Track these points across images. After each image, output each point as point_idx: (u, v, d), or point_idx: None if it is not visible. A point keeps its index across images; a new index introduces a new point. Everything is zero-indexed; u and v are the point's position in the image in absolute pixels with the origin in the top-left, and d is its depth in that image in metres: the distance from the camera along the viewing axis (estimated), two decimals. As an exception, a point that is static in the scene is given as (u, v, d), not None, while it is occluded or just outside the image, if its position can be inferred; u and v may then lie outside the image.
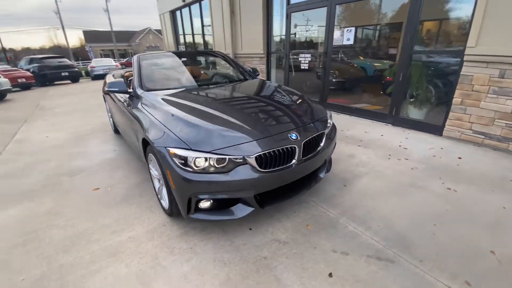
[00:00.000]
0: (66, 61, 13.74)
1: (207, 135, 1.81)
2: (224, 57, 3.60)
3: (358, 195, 2.39)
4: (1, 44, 24.84)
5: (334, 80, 5.45)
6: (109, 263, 1.73)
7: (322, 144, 2.14)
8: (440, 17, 4.03)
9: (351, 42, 4.68)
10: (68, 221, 2.18)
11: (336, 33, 4.88)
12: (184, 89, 2.70)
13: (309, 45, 5.78)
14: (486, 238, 1.82)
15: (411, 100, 4.21)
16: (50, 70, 12.65)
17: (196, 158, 1.68)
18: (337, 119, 4.80)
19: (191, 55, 3.76)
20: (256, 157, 1.74)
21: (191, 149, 1.71)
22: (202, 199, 1.77)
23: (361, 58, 5.61)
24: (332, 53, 5.11)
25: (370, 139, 3.75)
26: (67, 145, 4.04)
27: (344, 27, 4.81)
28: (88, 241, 1.94)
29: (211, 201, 1.81)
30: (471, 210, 2.13)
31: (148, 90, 2.59)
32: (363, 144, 3.57)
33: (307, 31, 5.59)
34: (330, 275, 1.59)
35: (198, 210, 1.83)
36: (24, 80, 10.92)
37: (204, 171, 1.69)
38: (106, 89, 2.83)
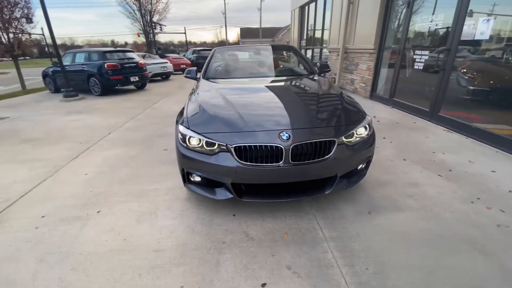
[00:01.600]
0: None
1: (207, 119, 2.03)
2: (295, 52, 3.56)
3: (373, 229, 1.91)
4: (186, 38, 34.10)
5: (470, 87, 3.97)
6: (130, 200, 2.36)
7: (331, 154, 1.86)
8: None
9: (486, 36, 3.33)
10: (136, 166, 3.05)
11: (468, 24, 3.60)
12: (235, 79, 2.98)
13: (432, 40, 4.52)
14: None
15: None
16: (203, 60, 16.33)
17: (191, 137, 1.95)
18: (440, 137, 3.68)
19: (263, 50, 3.93)
20: (235, 147, 1.81)
21: (189, 129, 1.99)
22: (192, 174, 2.04)
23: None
24: (458, 50, 3.82)
25: (467, 171, 2.70)
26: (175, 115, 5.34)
27: (484, 17, 3.47)
28: (135, 182, 2.67)
29: (200, 177, 2.04)
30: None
31: (208, 78, 3.06)
32: (450, 175, 2.64)
33: (431, 21, 4.38)
34: (263, 285, 1.49)
35: (191, 182, 2.12)
36: (185, 66, 14.72)
37: (195, 150, 1.94)
38: (184, 75, 3.55)
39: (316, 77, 3.02)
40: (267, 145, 1.79)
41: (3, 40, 10.21)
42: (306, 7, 11.16)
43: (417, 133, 3.85)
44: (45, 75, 8.88)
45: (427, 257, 1.65)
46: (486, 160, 2.94)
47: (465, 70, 3.88)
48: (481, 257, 1.63)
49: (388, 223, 1.96)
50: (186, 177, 2.09)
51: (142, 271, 1.61)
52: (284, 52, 4.04)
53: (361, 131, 2.04)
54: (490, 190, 2.36)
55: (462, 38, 3.72)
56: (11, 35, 10.26)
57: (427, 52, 4.48)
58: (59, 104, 6.97)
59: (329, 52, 8.42)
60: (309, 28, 11.12)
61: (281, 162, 1.80)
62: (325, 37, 8.91)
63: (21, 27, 10.58)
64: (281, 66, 3.66)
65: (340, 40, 7.12)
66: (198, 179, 2.06)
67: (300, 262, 1.64)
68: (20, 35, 10.66)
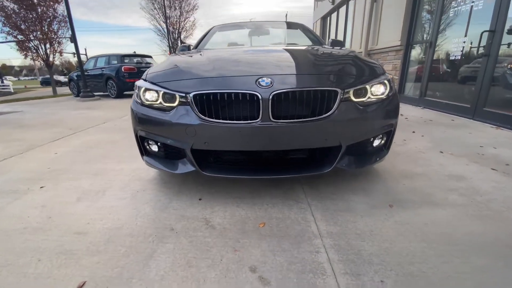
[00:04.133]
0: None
1: (172, 72, 1.58)
2: (303, 29, 3.07)
3: (396, 227, 1.27)
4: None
5: None
6: (85, 178, 1.93)
7: (332, 111, 1.30)
8: None
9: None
10: (112, 148, 2.67)
11: (520, -5, 2.93)
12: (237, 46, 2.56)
13: (471, 26, 3.82)
14: None
15: None
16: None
17: (146, 89, 1.50)
18: (488, 133, 2.92)
19: (266, 27, 3.44)
20: (195, 97, 1.32)
21: (146, 81, 1.55)
22: (148, 140, 1.57)
23: None
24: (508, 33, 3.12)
25: (534, 166, 1.94)
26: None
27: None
28: (101, 162, 2.26)
29: (157, 146, 1.56)
30: None
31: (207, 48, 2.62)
32: (509, 170, 1.90)
33: (470, 1, 3.72)
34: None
35: (148, 153, 1.64)
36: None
37: (152, 106, 1.48)
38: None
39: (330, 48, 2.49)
40: (238, 93, 1.27)
41: (41, 50, 11.13)
42: (328, 18, 10.90)
43: (457, 129, 3.10)
44: (70, 80, 9.28)
45: (485, 272, 0.97)
46: (561, 156, 2.14)
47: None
48: None
49: (419, 221, 1.30)
50: (142, 146, 1.62)
51: (44, 256, 1.12)
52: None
53: (377, 89, 1.46)
54: None
55: (511, 15, 3.03)
56: (47, 45, 11.15)
57: (465, 39, 3.79)
58: (74, 103, 7.08)
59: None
60: (331, 37, 10.76)
61: (258, 120, 1.27)
62: (347, 44, 8.44)
63: (57, 38, 11.49)
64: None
65: (362, 43, 6.60)
66: (155, 148, 1.58)
67: (272, 263, 1.04)
68: (56, 46, 11.57)
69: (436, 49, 4.39)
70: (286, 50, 1.91)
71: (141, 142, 1.59)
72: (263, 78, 1.30)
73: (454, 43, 4.03)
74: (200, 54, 1.89)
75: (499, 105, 3.23)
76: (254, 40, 3.05)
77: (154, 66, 1.80)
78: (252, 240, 1.18)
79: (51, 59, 11.59)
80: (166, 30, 17.05)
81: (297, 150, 1.47)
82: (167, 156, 1.57)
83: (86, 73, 8.21)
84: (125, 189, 1.73)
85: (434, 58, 4.45)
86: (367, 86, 1.41)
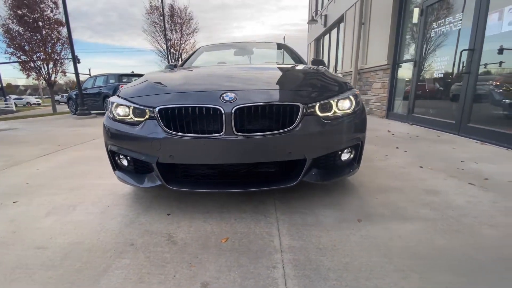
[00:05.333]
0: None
1: (144, 87, 1.63)
2: (286, 48, 3.19)
3: (361, 241, 1.25)
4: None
5: (505, 100, 3.13)
6: (61, 193, 1.92)
7: (294, 124, 1.33)
8: None
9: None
10: (96, 164, 2.67)
11: (492, 18, 3.07)
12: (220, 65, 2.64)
13: (451, 44, 3.96)
14: None
15: None
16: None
17: (118, 104, 1.54)
18: (471, 148, 2.93)
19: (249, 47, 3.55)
20: (161, 111, 1.35)
21: (119, 96, 1.60)
22: (118, 155, 1.58)
23: None
24: (481, 50, 3.23)
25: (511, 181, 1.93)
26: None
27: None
28: (81, 178, 2.26)
29: (127, 160, 1.57)
30: None
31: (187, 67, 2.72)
32: (487, 184, 1.89)
33: (448, 23, 3.88)
34: (149, 310, 0.88)
35: (120, 168, 1.65)
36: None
37: (123, 121, 1.51)
38: None
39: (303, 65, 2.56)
40: (202, 108, 1.31)
41: (43, 70, 11.47)
42: (321, 39, 11.32)
43: (441, 144, 3.11)
44: (69, 98, 9.48)
45: (447, 289, 0.94)
46: (540, 170, 2.14)
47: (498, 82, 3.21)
48: None
49: (385, 236, 1.28)
50: (113, 161, 1.63)
51: (0, 270, 1.09)
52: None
53: (342, 105, 1.49)
54: (552, 203, 1.58)
55: (487, 34, 3.16)
56: (50, 65, 11.51)
57: (447, 58, 3.91)
58: (70, 121, 7.17)
59: (343, 76, 8.09)
60: (324, 57, 11.10)
61: (221, 133, 1.29)
62: (339, 63, 8.70)
63: (61, 59, 11.88)
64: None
65: (353, 63, 6.80)
66: (125, 163, 1.59)
67: (226, 279, 1.01)
68: (58, 66, 11.93)
69: (420, 67, 4.52)
70: (258, 67, 1.98)
71: (112, 157, 1.61)
72: (227, 93, 1.34)
73: (437, 61, 4.16)
74: (175, 71, 1.96)
75: (483, 121, 3.27)
76: (238, 59, 3.15)
77: (130, 83, 1.86)
78: (211, 255, 1.16)
79: (52, 78, 11.92)
80: (166, 52, 17.62)
81: (265, 163, 1.47)
82: (137, 170, 1.57)
83: (84, 92, 8.40)
84: (97, 204, 1.72)
85: (420, 76, 4.56)
86: (332, 101, 1.45)
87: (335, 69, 9.30)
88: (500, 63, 3.15)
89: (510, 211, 1.50)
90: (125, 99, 1.53)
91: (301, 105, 1.33)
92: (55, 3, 11.52)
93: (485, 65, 3.26)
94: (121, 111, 1.52)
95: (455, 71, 3.75)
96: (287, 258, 1.12)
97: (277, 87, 1.47)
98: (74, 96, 9.11)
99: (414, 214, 1.48)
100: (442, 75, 4.07)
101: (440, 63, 4.08)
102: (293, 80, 1.58)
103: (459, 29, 3.69)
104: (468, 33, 3.42)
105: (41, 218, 1.56)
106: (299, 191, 1.78)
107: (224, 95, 1.33)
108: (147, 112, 1.41)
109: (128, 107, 1.48)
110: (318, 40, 11.76)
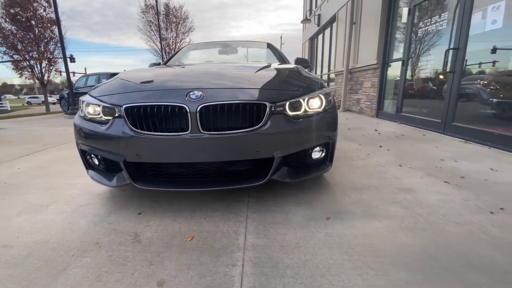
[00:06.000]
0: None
1: (115, 86, 1.61)
2: (272, 48, 3.19)
3: (325, 239, 1.25)
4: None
5: (489, 99, 3.15)
6: (36, 192, 1.91)
7: (261, 123, 1.33)
8: None
9: (500, 25, 2.77)
10: (75, 163, 2.65)
11: (476, 17, 3.09)
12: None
13: (437, 43, 3.98)
14: None
15: None
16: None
17: (88, 103, 1.53)
18: (454, 147, 2.95)
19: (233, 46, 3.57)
20: (127, 109, 1.35)
21: (89, 95, 1.59)
22: (89, 154, 1.58)
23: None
24: (465, 48, 3.25)
25: (487, 179, 1.95)
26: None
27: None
28: (59, 177, 2.25)
29: (98, 159, 1.57)
30: None
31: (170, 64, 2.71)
32: (462, 182, 1.91)
33: (434, 23, 3.90)
34: (100, 308, 0.88)
35: (92, 167, 1.64)
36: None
37: (94, 120, 1.51)
38: None
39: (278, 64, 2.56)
40: (167, 106, 1.30)
41: (36, 69, 11.39)
42: (315, 39, 11.33)
43: (425, 143, 3.13)
44: (61, 98, 9.42)
45: (399, 286, 0.95)
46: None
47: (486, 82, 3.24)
48: (503, 292, 0.91)
49: (350, 233, 1.29)
50: (85, 160, 1.62)
51: (-43, 271, 1.09)
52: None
53: (312, 103, 1.50)
54: (520, 200, 1.60)
55: (471, 33, 3.18)
56: (43, 64, 11.43)
57: (433, 57, 3.94)
58: (60, 120, 7.13)
59: (335, 75, 8.12)
60: (318, 56, 11.13)
61: (188, 132, 1.29)
62: (331, 63, 8.73)
63: (54, 58, 11.80)
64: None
65: (344, 62, 6.82)
66: (96, 162, 1.59)
67: (183, 277, 1.02)
68: (51, 65, 11.85)
69: (408, 67, 4.55)
70: (232, 66, 1.98)
71: (84, 156, 1.60)
72: (194, 92, 1.34)
73: (423, 61, 4.18)
74: (149, 70, 1.96)
75: (467, 120, 3.29)
76: (223, 58, 3.15)
77: (103, 82, 1.86)
78: (173, 254, 1.16)
79: (45, 77, 11.83)
80: (161, 51, 17.56)
81: (236, 162, 1.48)
82: (107, 169, 1.57)
83: (77, 91, 8.35)
84: (71, 203, 1.71)
85: (408, 75, 4.59)
86: (302, 100, 1.45)
87: (328, 69, 9.32)
88: (480, 64, 3.18)
89: (479, 209, 1.52)
90: (95, 97, 1.52)
91: (268, 104, 1.33)
92: (48, 1, 11.45)
93: (469, 64, 3.28)
94: (91, 110, 1.51)
95: (441, 70, 3.78)
96: (248, 256, 1.12)
97: (246, 85, 1.47)
98: (66, 96, 9.06)
99: (383, 212, 1.49)
100: (428, 74, 4.10)
101: (427, 62, 4.10)
102: (263, 79, 1.59)
103: (445, 28, 3.71)
104: (453, 33, 3.45)
105: (12, 217, 1.55)
106: (274, 190, 1.78)
107: (191, 93, 1.33)
108: (116, 110, 1.40)
109: (98, 105, 1.48)
110: (312, 40, 11.78)
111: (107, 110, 1.45)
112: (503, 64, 2.98)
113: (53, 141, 3.93)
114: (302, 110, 1.45)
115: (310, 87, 1.57)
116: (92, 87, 1.72)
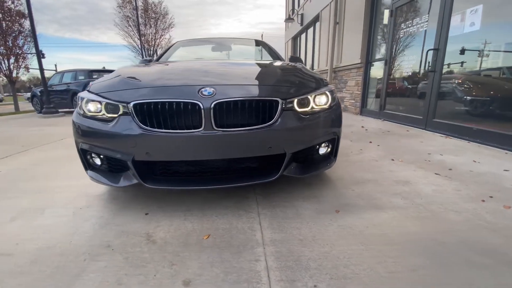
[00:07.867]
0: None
1: (117, 82, 1.55)
2: (264, 46, 3.21)
3: (339, 231, 1.30)
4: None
5: (466, 97, 3.38)
6: (24, 196, 1.79)
7: (274, 120, 1.34)
8: None
9: (477, 27, 2.99)
10: (64, 165, 2.51)
11: (455, 19, 3.31)
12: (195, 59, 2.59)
13: (418, 44, 4.22)
14: None
15: None
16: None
17: (89, 100, 1.46)
18: (437, 142, 3.14)
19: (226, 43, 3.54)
20: (136, 106, 1.30)
21: (89, 91, 1.51)
22: (90, 153, 1.50)
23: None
24: (445, 50, 3.47)
25: (472, 171, 2.11)
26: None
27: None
28: (47, 179, 2.11)
29: (100, 159, 1.50)
30: None
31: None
32: (451, 174, 2.04)
33: (416, 24, 4.13)
34: (128, 311, 0.85)
35: (92, 167, 1.56)
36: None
37: (95, 118, 1.43)
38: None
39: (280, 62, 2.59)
40: (179, 102, 1.28)
41: (3, 66, 10.51)
42: (298, 38, 11.50)
43: (410, 139, 3.31)
44: (33, 96, 8.80)
45: (421, 272, 1.01)
46: (495, 160, 2.35)
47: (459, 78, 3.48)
48: (510, 271, 1.00)
49: (361, 224, 1.34)
50: (85, 159, 1.54)
51: (-47, 285, 1.00)
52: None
53: (319, 100, 1.53)
54: (506, 188, 1.75)
55: (451, 35, 3.40)
56: (11, 60, 10.56)
57: (414, 57, 4.16)
58: (34, 120, 6.67)
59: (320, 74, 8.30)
60: (301, 56, 11.31)
61: (201, 129, 1.28)
62: (315, 62, 8.91)
63: (23, 54, 10.94)
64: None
65: (328, 61, 6.99)
66: (98, 161, 1.52)
67: (208, 275, 1.01)
68: (21, 62, 10.99)
69: (391, 66, 4.76)
70: (236, 63, 1.98)
71: (84, 156, 1.52)
72: (206, 88, 1.32)
73: (405, 60, 4.40)
74: (150, 66, 1.89)
75: (447, 116, 3.52)
76: (216, 55, 3.12)
77: (101, 77, 1.77)
78: (192, 253, 1.14)
79: (14, 74, 10.96)
80: (140, 47, 16.93)
81: (246, 159, 1.48)
82: (111, 169, 1.51)
83: (51, 89, 7.84)
84: (68, 206, 1.62)
85: (390, 74, 4.81)
86: (309, 97, 1.48)
87: (312, 67, 9.51)
88: (462, 63, 3.41)
89: (471, 198, 1.64)
90: (96, 94, 1.45)
91: (280, 100, 1.35)
92: (15, -7, 10.57)
93: (449, 64, 3.51)
94: (92, 107, 1.44)
95: (422, 69, 4.00)
96: (269, 251, 1.14)
97: (256, 82, 1.48)
98: (38, 94, 8.47)
99: (387, 203, 1.57)
100: (410, 74, 4.32)
101: (409, 62, 4.32)
102: (271, 76, 1.60)
103: (425, 30, 3.93)
104: (434, 34, 3.66)
105: (6, 223, 1.44)
106: (279, 186, 1.80)
107: (203, 89, 1.31)
108: (121, 107, 1.35)
109: (100, 102, 1.41)
110: (295, 39, 11.95)
111: (111, 107, 1.39)
112: (472, 64, 3.24)
113: (30, 142, 3.67)
114: (310, 106, 1.49)
115: (317, 84, 1.61)
116: (90, 83, 1.63)
